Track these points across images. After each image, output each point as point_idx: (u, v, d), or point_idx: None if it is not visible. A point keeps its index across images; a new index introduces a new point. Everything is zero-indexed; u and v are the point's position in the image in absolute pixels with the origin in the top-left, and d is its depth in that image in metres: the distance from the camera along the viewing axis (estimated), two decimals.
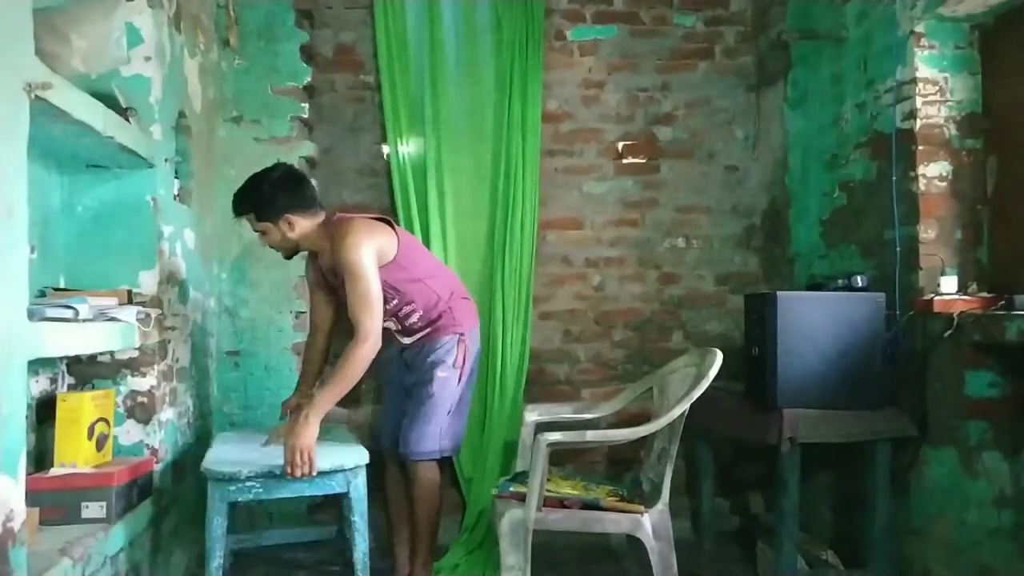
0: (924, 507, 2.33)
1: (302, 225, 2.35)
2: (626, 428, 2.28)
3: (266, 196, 2.32)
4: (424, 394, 2.43)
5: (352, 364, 2.18)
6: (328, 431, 2.53)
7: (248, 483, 2.04)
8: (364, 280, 2.23)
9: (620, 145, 3.35)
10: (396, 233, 2.41)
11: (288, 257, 2.49)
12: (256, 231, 2.39)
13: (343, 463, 2.12)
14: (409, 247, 2.44)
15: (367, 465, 2.18)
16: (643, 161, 3.36)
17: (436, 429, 2.41)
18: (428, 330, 2.48)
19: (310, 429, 2.08)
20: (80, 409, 1.98)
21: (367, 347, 2.19)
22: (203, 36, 2.81)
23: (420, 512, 2.43)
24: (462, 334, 2.46)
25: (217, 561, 2.05)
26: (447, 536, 2.88)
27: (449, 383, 2.43)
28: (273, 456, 2.10)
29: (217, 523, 2.04)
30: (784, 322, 2.32)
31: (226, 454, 2.23)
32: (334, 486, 2.12)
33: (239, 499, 2.06)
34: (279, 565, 2.86)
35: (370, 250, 2.27)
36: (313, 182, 2.49)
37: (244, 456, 2.17)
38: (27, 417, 1.51)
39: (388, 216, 2.54)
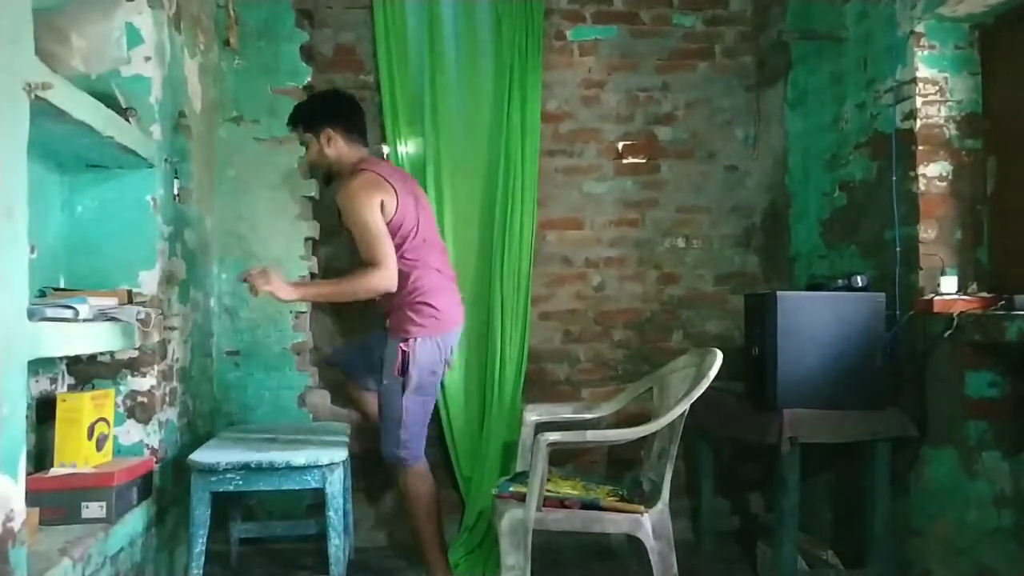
0: (924, 507, 2.33)
1: (339, 146, 2.46)
2: (626, 428, 2.28)
3: (312, 107, 2.51)
4: (380, 394, 2.44)
5: (355, 281, 2.31)
6: (317, 429, 2.56)
7: (228, 475, 2.15)
8: (364, 220, 2.30)
9: (620, 145, 3.35)
10: (397, 201, 2.37)
11: (325, 183, 2.62)
12: (302, 144, 2.57)
13: (318, 459, 2.18)
14: (404, 223, 2.39)
15: (344, 462, 2.26)
16: (643, 161, 3.35)
17: (392, 433, 2.39)
18: (388, 319, 2.46)
19: (285, 289, 2.29)
20: (80, 409, 1.98)
21: (377, 275, 2.28)
22: (203, 36, 2.81)
23: (409, 517, 2.43)
24: (406, 340, 2.38)
25: (199, 547, 2.16)
26: (447, 536, 2.88)
27: (391, 392, 2.39)
28: (253, 453, 2.19)
29: (200, 512, 2.16)
30: (784, 322, 2.32)
31: (213, 449, 2.29)
32: (310, 481, 2.19)
33: (219, 489, 2.16)
34: (278, 557, 2.89)
35: (369, 195, 2.31)
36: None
37: (231, 452, 2.22)
38: (27, 417, 1.51)
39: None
